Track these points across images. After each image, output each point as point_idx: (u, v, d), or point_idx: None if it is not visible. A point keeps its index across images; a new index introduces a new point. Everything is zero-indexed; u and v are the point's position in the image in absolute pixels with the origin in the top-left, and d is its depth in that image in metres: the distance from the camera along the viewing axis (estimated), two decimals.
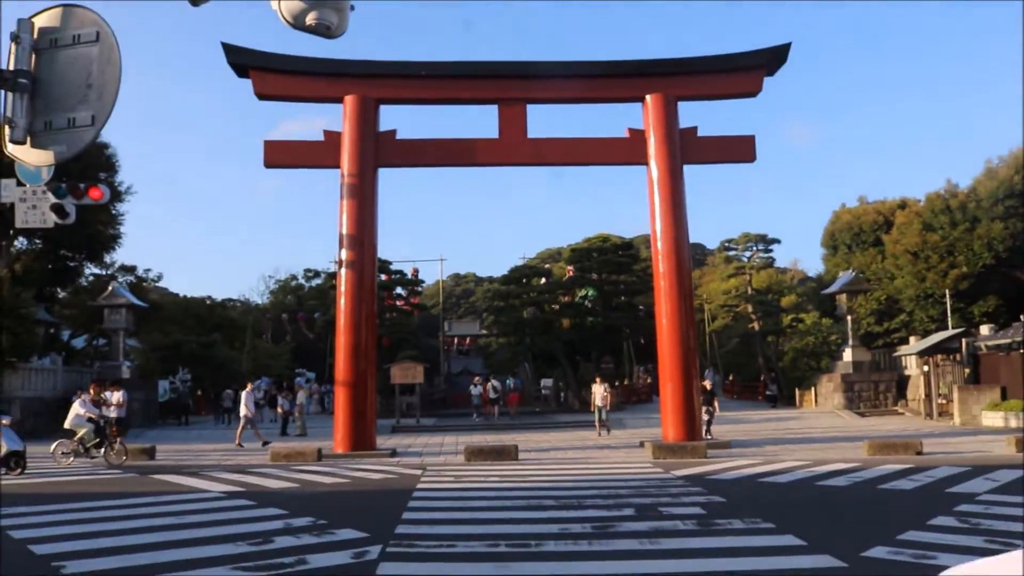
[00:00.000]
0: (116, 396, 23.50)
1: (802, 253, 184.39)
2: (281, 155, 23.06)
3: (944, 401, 29.88)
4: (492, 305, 53.95)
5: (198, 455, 21.92)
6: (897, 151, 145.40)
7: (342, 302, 22.34)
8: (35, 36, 6.70)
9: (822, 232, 51.36)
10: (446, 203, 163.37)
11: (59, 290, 39.10)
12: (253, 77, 22.14)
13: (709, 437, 22.95)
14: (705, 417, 23.33)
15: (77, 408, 19.77)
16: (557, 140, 23.61)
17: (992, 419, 26.64)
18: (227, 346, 46.15)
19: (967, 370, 30.68)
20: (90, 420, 19.56)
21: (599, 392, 26.14)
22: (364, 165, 22.43)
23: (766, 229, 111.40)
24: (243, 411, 24.82)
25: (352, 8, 5.91)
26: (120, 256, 49.22)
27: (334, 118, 22.89)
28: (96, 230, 33.80)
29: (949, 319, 34.34)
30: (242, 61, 22.08)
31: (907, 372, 34.52)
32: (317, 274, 63.12)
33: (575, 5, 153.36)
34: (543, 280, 51.85)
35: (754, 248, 60.99)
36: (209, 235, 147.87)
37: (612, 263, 46.60)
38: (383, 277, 48.85)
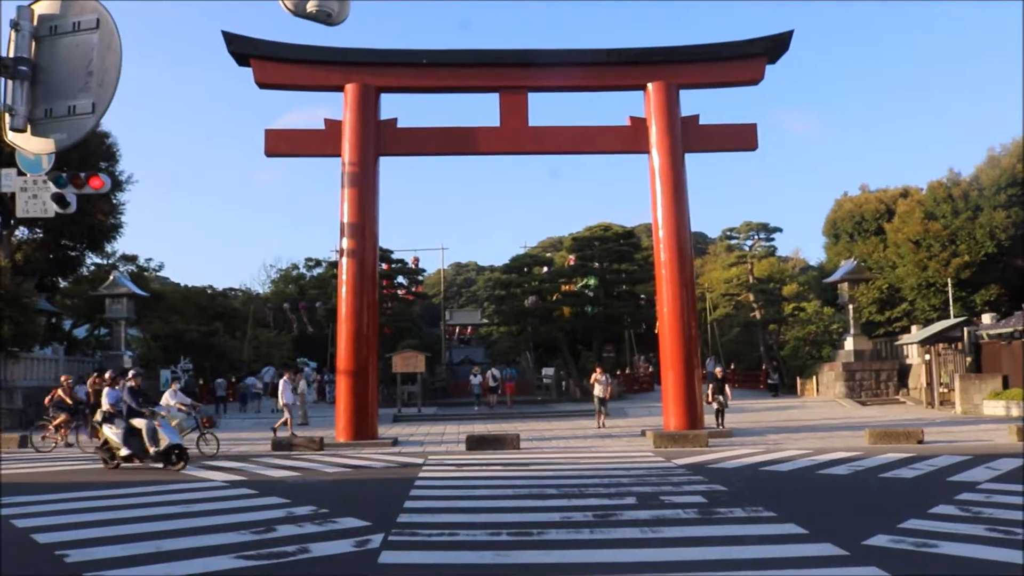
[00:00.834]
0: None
1: (804, 242, 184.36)
2: (282, 144, 23.03)
3: (945, 390, 29.89)
4: (493, 294, 53.95)
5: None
6: (899, 139, 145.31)
7: (343, 291, 22.35)
8: (35, 23, 6.67)
9: (824, 221, 51.34)
10: (447, 192, 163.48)
11: (60, 280, 39.10)
12: (254, 66, 22.09)
13: (721, 427, 22.83)
14: (715, 407, 23.26)
15: (168, 398, 19.10)
16: (558, 128, 23.57)
17: (993, 408, 26.64)
18: (228, 335, 46.16)
19: (969, 359, 30.67)
20: (180, 410, 18.72)
21: (599, 381, 25.93)
22: (365, 154, 22.40)
23: (768, 218, 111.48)
24: (282, 401, 24.37)
25: None
26: (121, 245, 49.36)
27: (336, 109, 22.88)
28: (97, 219, 33.77)
29: (951, 308, 34.31)
30: (242, 50, 22.02)
31: (909, 361, 34.52)
32: (319, 263, 63.17)
33: (575, 4, 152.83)
34: (545, 269, 51.80)
35: (756, 237, 60.72)
36: (210, 224, 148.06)
37: (614, 252, 46.54)
38: (384, 266, 48.81)
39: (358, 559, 8.13)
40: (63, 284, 39.72)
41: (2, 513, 10.68)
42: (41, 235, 34.20)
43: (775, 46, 22.97)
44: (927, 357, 30.88)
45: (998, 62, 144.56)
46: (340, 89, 22.80)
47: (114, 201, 35.33)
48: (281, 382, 24.96)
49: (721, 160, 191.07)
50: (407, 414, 32.54)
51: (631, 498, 11.55)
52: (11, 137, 6.67)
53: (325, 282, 55.38)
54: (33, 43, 6.63)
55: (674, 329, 22.34)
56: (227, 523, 9.93)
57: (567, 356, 45.81)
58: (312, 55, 22.48)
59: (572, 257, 50.68)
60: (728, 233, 64.77)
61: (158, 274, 49.40)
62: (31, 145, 6.81)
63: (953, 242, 37.58)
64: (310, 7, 7.74)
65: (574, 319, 45.48)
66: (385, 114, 23.12)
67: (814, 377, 38.19)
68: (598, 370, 26.54)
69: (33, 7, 6.67)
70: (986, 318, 31.95)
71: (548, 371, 45.14)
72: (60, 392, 21.75)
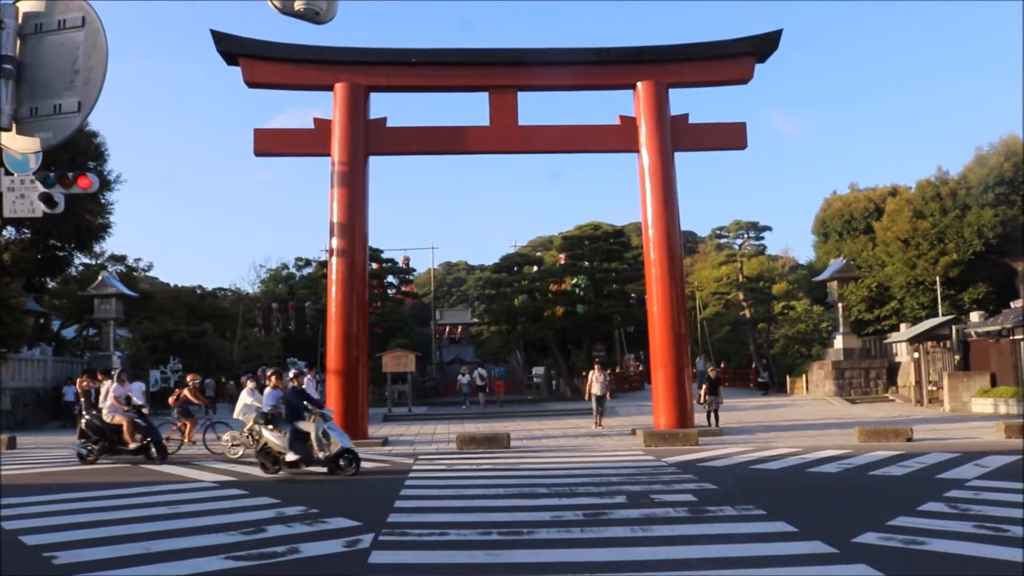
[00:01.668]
0: (107, 386, 23.37)
1: (793, 240, 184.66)
2: (271, 143, 22.95)
3: (934, 388, 30.02)
4: (483, 293, 53.98)
5: (189, 444, 21.82)
6: (888, 138, 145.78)
7: (333, 291, 22.29)
8: (20, 21, 6.62)
9: (813, 219, 51.49)
10: (437, 191, 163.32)
11: (48, 280, 38.93)
12: (242, 65, 22.01)
13: (714, 426, 22.89)
14: (707, 408, 23.33)
15: (246, 397, 18.68)
16: (548, 128, 23.55)
17: (982, 405, 26.76)
18: (218, 336, 46.02)
19: (957, 357, 30.80)
20: (255, 409, 17.95)
21: (598, 380, 25.06)
22: (355, 153, 22.34)
23: (757, 216, 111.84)
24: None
25: None
26: (110, 245, 49.18)
27: (327, 110, 22.79)
28: (85, 219, 33.64)
29: (939, 306, 34.44)
30: (231, 48, 21.93)
31: (897, 359, 34.66)
32: (308, 263, 63.00)
33: (571, 4, 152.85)
34: (535, 268, 51.85)
35: (745, 235, 61.03)
36: (200, 224, 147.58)
37: (603, 251, 46.61)
38: (374, 266, 48.81)
39: (348, 559, 8.10)
40: (51, 284, 39.56)
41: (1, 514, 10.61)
42: (29, 235, 34.04)
43: (764, 45, 23.00)
44: (916, 355, 31.00)
45: (986, 61, 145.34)
46: (329, 88, 22.73)
47: (102, 201, 35.20)
48: (306, 379, 24.73)
49: (711, 159, 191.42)
50: (397, 414, 32.51)
51: (621, 497, 11.55)
52: None
53: (315, 282, 55.34)
54: (18, 41, 6.58)
55: (664, 328, 22.36)
56: (217, 524, 9.89)
57: (557, 355, 45.86)
58: (301, 54, 22.41)
59: (562, 256, 50.76)
60: (718, 232, 65.10)
61: (147, 274, 49.24)
62: (16, 144, 6.76)
63: (941, 240, 37.72)
64: (298, 5, 7.72)
65: (564, 318, 45.52)
66: (375, 113, 23.08)
67: (803, 375, 38.31)
68: (596, 368, 25.86)
69: (18, 5, 6.62)
70: (974, 316, 32.08)
71: (538, 370, 45.17)
72: (187, 392, 21.35)
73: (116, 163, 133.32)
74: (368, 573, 7.58)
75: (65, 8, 6.65)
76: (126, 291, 34.15)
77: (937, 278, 35.86)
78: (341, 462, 14.61)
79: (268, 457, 14.82)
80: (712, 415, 23.34)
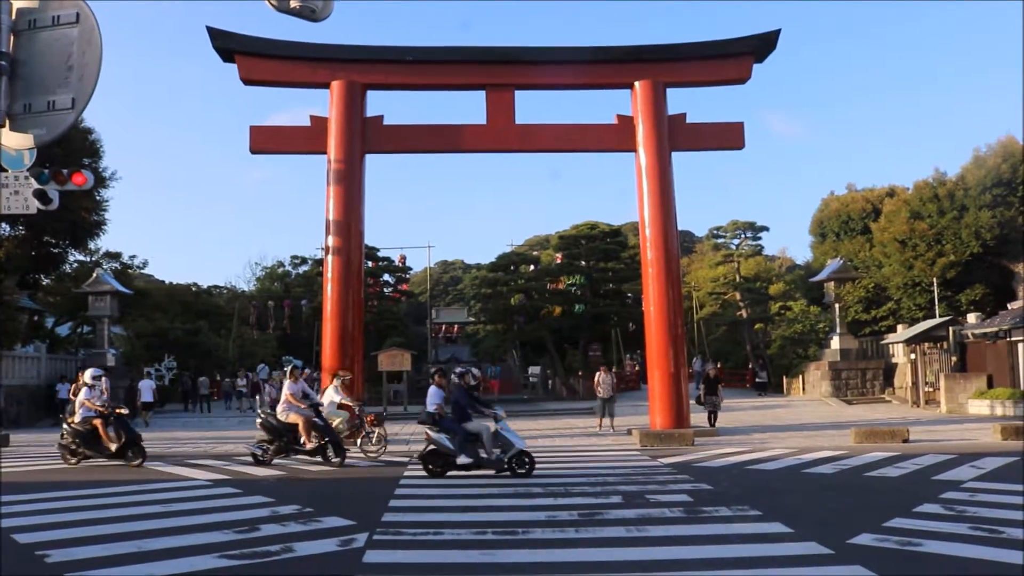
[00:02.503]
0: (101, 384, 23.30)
1: (790, 241, 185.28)
2: (267, 140, 22.91)
3: (931, 389, 30.02)
4: (480, 292, 53.94)
5: (184, 443, 21.80)
6: (885, 139, 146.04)
7: (329, 289, 22.26)
8: (13, 17, 6.59)
9: (810, 220, 51.48)
10: (434, 189, 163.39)
11: (43, 277, 38.78)
12: (239, 62, 21.96)
13: (712, 426, 22.84)
14: (707, 407, 23.29)
15: (331, 395, 18.17)
16: (545, 126, 23.53)
17: (978, 407, 26.76)
18: (213, 334, 45.96)
19: (954, 358, 30.80)
20: (341, 407, 17.90)
21: (604, 382, 23.91)
22: (351, 151, 22.30)
23: (755, 217, 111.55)
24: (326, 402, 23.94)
25: None
26: (105, 243, 48.92)
27: (324, 109, 22.72)
28: (80, 216, 33.54)
29: (936, 307, 34.46)
30: (227, 46, 21.88)
31: (894, 360, 34.67)
32: (304, 261, 62.95)
33: (567, 5, 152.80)
34: (531, 267, 51.82)
35: (742, 236, 60.88)
36: (195, 221, 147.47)
37: (600, 250, 46.61)
38: (370, 264, 48.75)
39: (343, 558, 8.07)
40: (46, 281, 39.43)
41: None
42: (23, 232, 33.93)
43: (762, 45, 22.99)
44: (912, 356, 31.01)
45: (984, 62, 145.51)
46: (326, 86, 22.70)
47: (97, 198, 35.10)
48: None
49: (708, 159, 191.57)
50: (393, 412, 32.46)
51: (617, 497, 11.52)
52: None
53: (311, 280, 55.29)
54: (12, 37, 6.55)
55: (660, 328, 22.34)
56: (210, 522, 9.85)
57: (554, 355, 45.84)
58: (298, 51, 22.37)
59: (559, 255, 50.74)
60: (715, 232, 64.91)
61: (142, 271, 49.19)
62: (10, 140, 6.74)
63: (939, 242, 37.75)
64: (294, 3, 7.71)
65: (561, 318, 45.51)
66: (371, 111, 23.04)
67: (800, 376, 38.32)
68: (602, 370, 24.61)
69: (12, 1, 6.59)
70: (971, 317, 32.10)
71: (534, 370, 45.15)
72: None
73: (111, 160, 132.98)
74: (362, 572, 7.54)
75: (59, 5, 6.63)
76: (121, 288, 34.02)
77: (934, 279, 35.89)
78: (514, 464, 13.78)
79: (436, 459, 14.00)
80: (711, 416, 23.30)
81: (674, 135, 22.98)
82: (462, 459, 13.63)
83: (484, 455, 13.81)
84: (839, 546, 8.08)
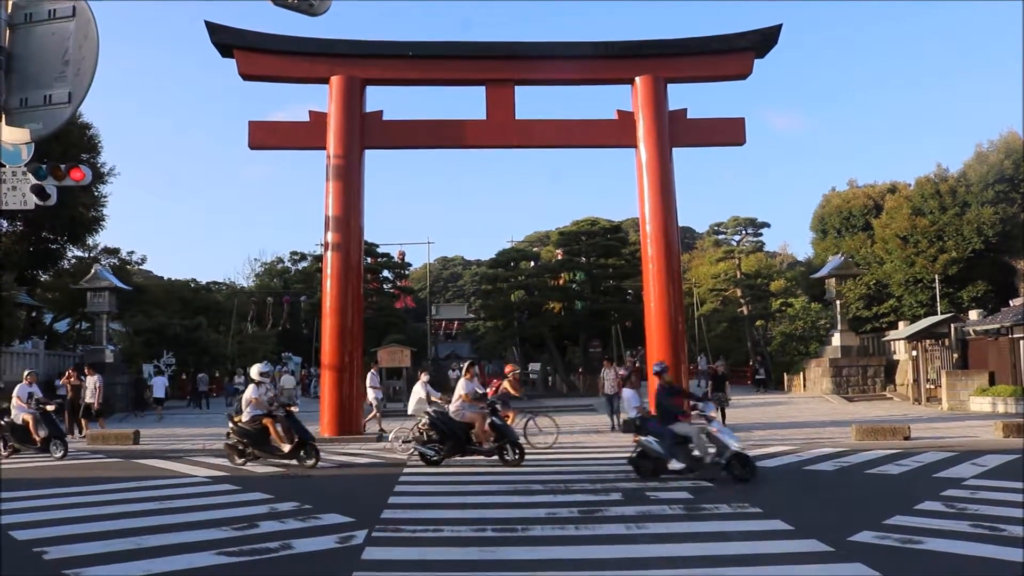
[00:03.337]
0: (91, 381, 23.31)
1: (791, 237, 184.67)
2: (266, 136, 22.86)
3: (932, 386, 29.98)
4: (480, 289, 53.92)
5: (183, 440, 21.77)
6: (887, 135, 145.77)
7: (328, 285, 22.22)
8: (9, 11, 6.55)
9: (812, 216, 51.47)
10: (433, 185, 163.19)
11: (41, 273, 38.76)
12: (237, 57, 21.89)
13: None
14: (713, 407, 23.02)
15: (419, 391, 17.91)
16: (545, 122, 23.47)
17: (980, 404, 26.72)
18: (212, 330, 45.93)
19: (955, 355, 30.76)
20: (430, 404, 17.25)
21: (607, 378, 23.46)
22: (350, 146, 22.25)
23: (756, 213, 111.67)
24: (371, 395, 23.84)
25: None
26: (103, 238, 48.90)
27: (322, 106, 22.66)
28: (78, 212, 33.50)
29: (938, 304, 34.43)
30: (226, 40, 21.82)
31: (896, 357, 34.62)
32: (304, 257, 62.96)
33: (567, 5, 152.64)
34: (531, 264, 51.78)
35: (743, 232, 61.09)
36: (194, 217, 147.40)
37: (601, 246, 46.57)
38: (370, 260, 48.72)
39: (341, 555, 8.06)
40: (44, 277, 39.40)
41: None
42: (21, 227, 33.91)
43: (763, 40, 22.92)
44: (914, 353, 30.96)
45: (987, 58, 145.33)
46: (325, 81, 22.64)
47: (96, 193, 35.08)
48: (370, 375, 24.61)
49: (709, 155, 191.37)
50: (392, 409, 32.41)
51: (617, 494, 11.50)
52: None
53: (310, 276, 55.30)
54: (7, 31, 6.51)
55: (661, 324, 22.30)
56: (209, 519, 9.84)
57: (554, 351, 45.80)
58: (297, 46, 22.31)
59: (559, 252, 50.69)
60: (716, 228, 65.16)
61: (141, 267, 49.14)
62: (6, 135, 6.70)
63: (940, 238, 37.72)
64: None
65: (561, 314, 45.48)
66: (371, 106, 22.98)
67: (801, 373, 38.28)
68: (605, 364, 24.24)
69: None
70: (973, 314, 32.06)
71: (535, 366, 45.12)
72: (507, 384, 20.50)
73: (110, 155, 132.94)
74: (361, 569, 7.52)
75: None
76: (119, 284, 33.99)
77: (936, 276, 35.86)
78: (736, 469, 12.58)
79: (646, 463, 12.93)
80: (719, 411, 23.12)
81: (675, 131, 22.92)
82: (674, 464, 12.51)
83: (698, 455, 12.66)
84: (840, 543, 8.06)
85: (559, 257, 49.98)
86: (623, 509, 10.23)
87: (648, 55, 23.10)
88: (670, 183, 22.82)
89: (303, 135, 22.75)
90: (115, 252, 43.00)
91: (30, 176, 12.32)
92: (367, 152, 22.95)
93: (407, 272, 65.25)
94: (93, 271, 33.87)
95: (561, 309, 45.86)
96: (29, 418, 17.73)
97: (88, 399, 23.21)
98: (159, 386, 30.96)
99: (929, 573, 7.23)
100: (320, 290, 24.99)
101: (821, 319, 40.29)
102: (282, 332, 54.12)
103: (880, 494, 11.33)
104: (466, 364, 16.79)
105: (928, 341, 31.06)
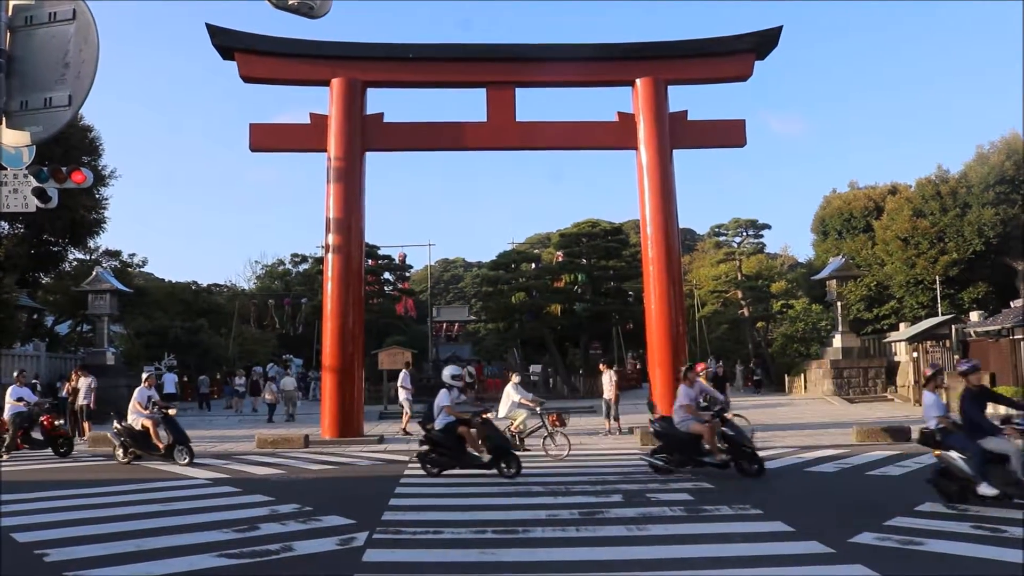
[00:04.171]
0: (84, 382, 23.30)
1: (792, 239, 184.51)
2: (267, 138, 22.87)
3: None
4: (481, 291, 53.92)
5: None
6: (887, 136, 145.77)
7: (329, 287, 22.22)
8: (9, 14, 6.56)
9: (812, 218, 51.34)
10: (434, 187, 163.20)
11: (42, 275, 38.71)
12: (238, 59, 21.91)
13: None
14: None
15: (511, 393, 17.47)
16: (546, 124, 23.49)
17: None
18: (213, 332, 45.92)
19: (956, 356, 30.72)
20: (521, 405, 17.09)
21: (607, 381, 22.93)
22: (351, 149, 22.26)
23: (756, 214, 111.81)
24: (402, 396, 23.81)
25: None
26: (104, 241, 48.92)
27: (323, 109, 22.66)
28: (79, 214, 33.45)
29: (939, 305, 34.38)
30: (227, 43, 21.84)
31: (897, 358, 34.59)
32: (305, 259, 62.98)
33: (567, 5, 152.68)
34: (532, 266, 51.78)
35: (744, 233, 61.04)
36: (195, 220, 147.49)
37: (601, 248, 46.56)
38: (370, 262, 48.73)
39: (342, 557, 8.06)
40: (45, 280, 39.34)
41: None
42: (23, 230, 33.87)
43: (764, 42, 22.92)
44: (915, 355, 30.93)
45: (987, 59, 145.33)
46: (326, 83, 22.65)
47: (97, 196, 35.02)
48: (402, 375, 24.49)
49: (710, 157, 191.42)
50: (393, 411, 32.39)
51: (617, 496, 11.49)
52: None
53: (311, 278, 55.32)
54: (8, 34, 6.52)
55: (662, 326, 22.29)
56: (210, 521, 9.84)
57: (555, 353, 45.78)
58: (297, 49, 22.32)
59: (560, 254, 50.67)
60: (717, 230, 65.10)
61: (142, 270, 49.16)
62: (7, 138, 6.71)
63: (941, 239, 37.66)
64: (292, 0, 7.66)
65: (562, 316, 45.46)
66: (371, 108, 22.99)
67: (802, 374, 38.23)
68: (602, 367, 23.70)
69: None
70: (974, 316, 32.02)
71: (535, 368, 45.11)
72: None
73: (111, 158, 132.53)
74: (362, 571, 7.53)
75: (55, 2, 6.60)
76: (120, 287, 33.93)
77: (937, 277, 35.80)
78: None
79: (950, 483, 10.58)
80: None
81: (675, 132, 22.93)
82: (984, 488, 9.93)
83: (1020, 479, 9.80)
84: (840, 545, 8.06)
85: (560, 259, 49.97)
86: (624, 511, 10.22)
87: (648, 57, 23.10)
88: (671, 185, 22.82)
89: (304, 137, 22.75)
90: (116, 254, 42.96)
91: (31, 179, 12.34)
92: (368, 154, 22.95)
93: (408, 274, 65.27)
94: (94, 273, 33.83)
95: (562, 311, 45.85)
96: (150, 423, 16.45)
97: (82, 401, 23.22)
98: (170, 383, 31.29)
99: (930, 574, 7.23)
100: (321, 292, 24.98)
101: (822, 321, 40.24)
102: (283, 334, 54.13)
103: (881, 495, 11.32)
104: (683, 369, 14.89)
105: (929, 342, 31.03)
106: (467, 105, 65.80)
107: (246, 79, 22.25)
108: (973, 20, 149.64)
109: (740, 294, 49.11)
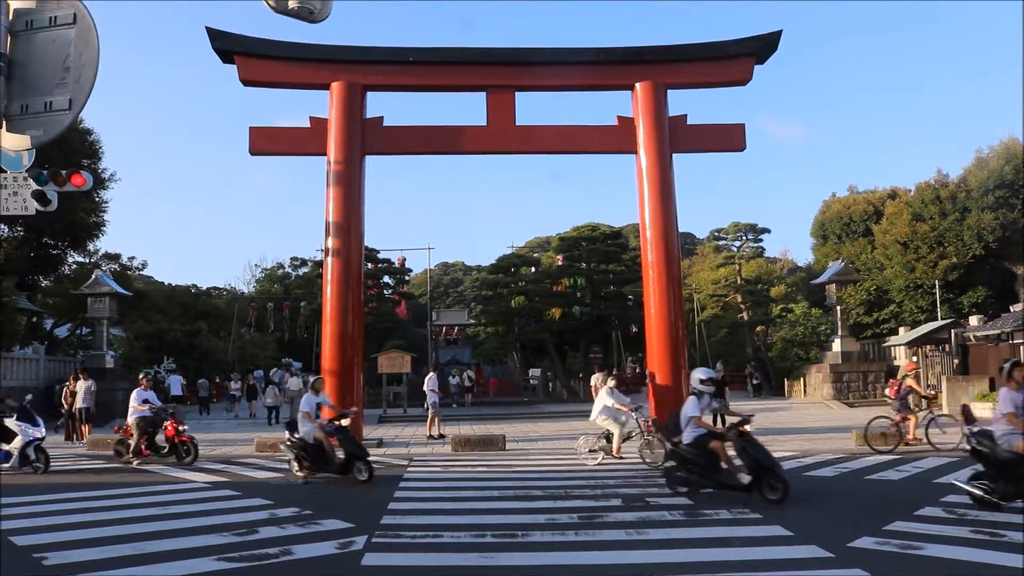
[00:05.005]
0: (83, 385, 23.29)
1: (792, 243, 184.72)
2: (267, 142, 22.83)
3: (933, 392, 29.94)
4: (480, 294, 53.89)
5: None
6: (887, 141, 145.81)
7: (329, 291, 22.19)
8: (10, 18, 6.56)
9: (812, 222, 51.46)
10: (434, 191, 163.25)
11: (42, 278, 38.72)
12: (238, 63, 21.89)
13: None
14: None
15: (605, 397, 16.74)
16: (546, 128, 23.46)
17: (981, 410, 26.59)
18: (213, 335, 45.88)
19: (956, 361, 30.76)
20: (615, 410, 16.47)
21: (594, 382, 23.28)
22: (350, 152, 22.24)
23: (756, 219, 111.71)
24: (431, 399, 23.80)
25: None
26: (104, 244, 48.92)
27: (324, 111, 22.65)
28: (79, 217, 33.49)
29: (938, 310, 34.44)
30: (227, 47, 21.81)
31: (896, 363, 34.62)
32: (304, 262, 62.97)
33: (567, 5, 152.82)
34: (532, 269, 51.79)
35: (744, 238, 60.86)
36: (195, 223, 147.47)
37: (601, 252, 46.57)
38: (370, 266, 48.72)
39: (341, 561, 8.07)
40: (44, 283, 39.35)
41: None
42: (22, 233, 33.90)
43: (763, 46, 22.92)
44: (914, 359, 30.94)
45: (987, 63, 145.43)
46: (326, 87, 22.63)
47: (96, 199, 35.07)
48: (428, 378, 24.44)
49: (709, 161, 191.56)
50: (393, 415, 32.44)
51: (617, 500, 11.49)
52: None
53: (311, 282, 55.27)
54: (8, 38, 6.52)
55: (661, 330, 22.26)
56: (209, 525, 9.83)
57: (554, 357, 45.78)
58: (297, 52, 22.31)
59: (559, 257, 50.68)
60: (716, 234, 64.95)
61: (141, 273, 49.11)
62: (7, 142, 6.70)
63: (941, 244, 37.72)
64: (292, 3, 7.65)
65: (561, 320, 45.47)
66: (371, 112, 22.99)
67: (802, 379, 38.26)
68: (596, 371, 23.80)
69: (8, 1, 6.56)
70: (973, 320, 32.07)
71: (535, 372, 45.13)
72: (911, 382, 19.51)
73: (110, 161, 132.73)
74: (361, 575, 7.52)
75: (56, 5, 6.60)
76: (120, 290, 33.92)
77: (936, 281, 35.85)
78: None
79: None
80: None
81: (675, 136, 22.92)
82: None
83: None
84: (840, 549, 8.05)
85: (559, 263, 49.97)
86: (623, 515, 10.22)
87: (648, 61, 23.10)
88: (670, 189, 22.80)
89: (304, 141, 22.73)
90: (116, 257, 42.93)
91: (31, 182, 12.35)
92: (368, 158, 22.94)
93: (408, 278, 65.24)
94: (94, 276, 33.83)
95: (561, 315, 45.86)
96: (322, 435, 14.34)
97: (80, 404, 23.20)
98: (176, 385, 31.90)
99: None
100: (320, 296, 24.96)
101: (821, 325, 40.28)
102: (282, 338, 54.12)
103: (880, 500, 11.32)
104: (1008, 366, 11.20)
105: (929, 347, 31.06)
106: (467, 109, 66.11)
107: (246, 83, 22.24)
108: (973, 24, 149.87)
109: (740, 298, 49.11)
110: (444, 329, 71.86)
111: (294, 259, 64.64)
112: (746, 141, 23.02)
